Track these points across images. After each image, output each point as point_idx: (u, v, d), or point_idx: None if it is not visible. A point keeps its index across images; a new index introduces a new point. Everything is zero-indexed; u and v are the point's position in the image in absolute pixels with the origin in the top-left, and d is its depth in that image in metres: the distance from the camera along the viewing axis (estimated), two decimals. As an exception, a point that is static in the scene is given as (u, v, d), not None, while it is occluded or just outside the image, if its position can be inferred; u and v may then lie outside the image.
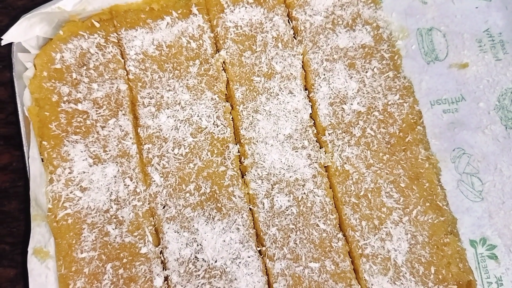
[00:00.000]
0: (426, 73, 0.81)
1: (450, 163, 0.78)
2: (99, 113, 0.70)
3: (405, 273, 0.67)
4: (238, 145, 0.71)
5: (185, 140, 0.69)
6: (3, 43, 0.67)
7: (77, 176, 0.67)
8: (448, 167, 0.77)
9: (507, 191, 0.76)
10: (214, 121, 0.71)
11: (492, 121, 0.79)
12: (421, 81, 0.81)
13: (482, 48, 0.82)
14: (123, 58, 0.73)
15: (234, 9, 0.75)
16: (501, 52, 0.82)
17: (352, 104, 0.73)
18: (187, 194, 0.67)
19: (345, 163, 0.70)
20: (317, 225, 0.68)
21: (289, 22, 0.77)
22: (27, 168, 0.64)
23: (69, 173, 0.67)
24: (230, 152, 0.70)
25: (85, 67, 0.71)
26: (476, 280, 0.68)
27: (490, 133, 0.79)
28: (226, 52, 0.73)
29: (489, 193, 0.76)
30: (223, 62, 0.74)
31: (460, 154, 0.78)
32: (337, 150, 0.71)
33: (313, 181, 0.70)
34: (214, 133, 0.70)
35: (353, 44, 0.76)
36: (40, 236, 0.62)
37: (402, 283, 0.66)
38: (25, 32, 0.68)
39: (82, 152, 0.68)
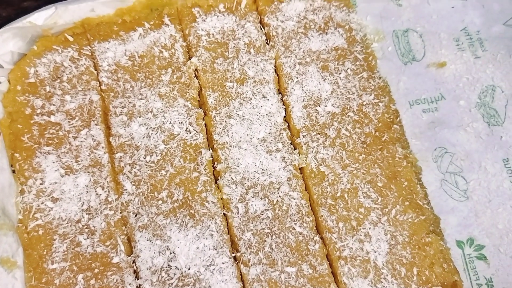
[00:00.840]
0: (404, 74, 0.80)
1: (432, 162, 0.76)
2: (72, 124, 0.70)
3: (386, 275, 0.64)
4: (211, 150, 0.70)
5: (157, 148, 0.69)
6: (-24, 58, 0.68)
7: (48, 187, 0.66)
8: (430, 166, 0.76)
9: (493, 189, 0.74)
10: (187, 128, 0.70)
11: (474, 118, 0.78)
12: (398, 81, 0.80)
13: (460, 47, 0.82)
14: (96, 70, 0.73)
15: (206, 18, 0.76)
16: (480, 50, 0.82)
17: (326, 106, 0.72)
18: (160, 202, 0.67)
19: (320, 165, 0.69)
20: (293, 228, 0.66)
21: (261, 28, 0.77)
22: None
23: (40, 184, 0.66)
24: (203, 157, 0.69)
25: (58, 80, 0.72)
26: (462, 281, 0.66)
27: (472, 131, 0.77)
28: (198, 59, 0.74)
29: (474, 192, 0.74)
30: (195, 69, 0.74)
31: (442, 153, 0.76)
32: (312, 151, 0.70)
33: (288, 183, 0.68)
34: (186, 139, 0.70)
35: (326, 47, 0.76)
36: (7, 245, 0.61)
37: (383, 286, 0.64)
38: (-2, 47, 0.69)
39: (54, 163, 0.68)
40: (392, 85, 0.78)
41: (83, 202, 0.66)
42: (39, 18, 0.69)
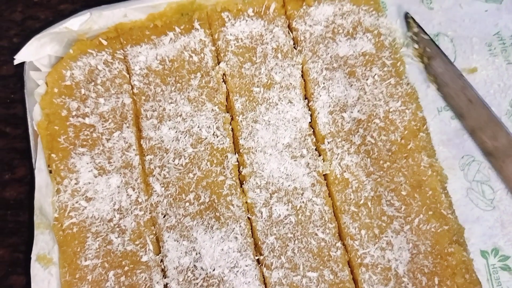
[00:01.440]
0: (433, 79, 0.80)
1: (459, 170, 0.75)
2: (105, 126, 0.73)
3: (407, 283, 0.65)
4: (237, 154, 0.72)
5: (185, 151, 0.71)
6: (16, 62, 0.71)
7: (82, 187, 0.70)
8: (457, 175, 0.75)
9: (521, 199, 0.73)
10: (214, 132, 0.72)
11: (504, 126, 0.76)
12: (427, 87, 0.79)
13: (492, 52, 0.80)
14: (128, 74, 0.76)
15: (235, 23, 0.77)
16: (513, 55, 0.80)
17: (352, 112, 0.73)
18: (187, 204, 0.69)
19: (345, 171, 0.70)
20: (316, 234, 0.67)
21: (289, 33, 0.78)
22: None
23: (75, 184, 0.70)
24: (229, 161, 0.71)
25: (93, 83, 0.75)
26: (484, 292, 0.66)
27: (502, 139, 0.76)
28: (226, 64, 0.75)
29: (501, 202, 0.73)
30: (223, 74, 0.76)
31: (469, 161, 0.76)
32: (336, 158, 0.70)
33: (312, 189, 0.69)
34: (213, 143, 0.72)
35: (354, 52, 0.76)
36: (43, 243, 0.65)
37: (404, 294, 0.64)
38: (36, 51, 0.73)
39: (88, 163, 0.71)
40: (420, 90, 0.77)
41: (115, 202, 0.69)
42: (75, 23, 0.72)
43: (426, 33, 0.77)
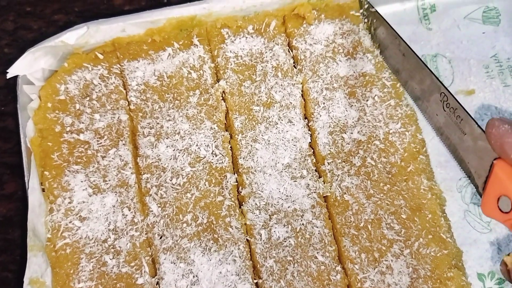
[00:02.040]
0: (431, 100, 0.80)
1: (456, 192, 0.75)
2: (100, 143, 0.71)
3: (407, 308, 0.64)
4: (236, 174, 0.71)
5: (183, 170, 0.70)
6: (9, 76, 0.69)
7: (76, 206, 0.68)
8: (454, 197, 0.75)
9: (517, 222, 0.73)
10: (213, 151, 0.71)
11: (500, 149, 0.77)
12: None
13: (489, 74, 0.81)
14: (125, 89, 0.74)
15: (235, 40, 0.76)
16: (510, 78, 0.80)
17: (352, 133, 0.72)
18: (184, 225, 0.67)
19: (345, 193, 0.69)
20: (316, 257, 0.66)
21: (289, 51, 0.77)
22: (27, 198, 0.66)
23: (69, 202, 0.68)
24: (227, 181, 0.70)
25: (88, 98, 0.73)
26: (482, 317, 0.66)
27: (498, 161, 0.76)
28: (226, 82, 0.74)
29: (498, 224, 0.73)
30: (223, 92, 0.74)
31: (466, 183, 0.76)
32: (337, 179, 0.70)
33: (312, 211, 0.69)
34: (212, 162, 0.70)
35: (354, 72, 0.75)
36: (36, 266, 0.62)
37: (403, 319, 0.64)
38: (30, 65, 0.70)
39: (82, 182, 0.69)
40: (419, 112, 0.77)
41: (110, 222, 0.67)
42: (71, 37, 0.70)
43: (372, 6, 0.77)
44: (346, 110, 0.73)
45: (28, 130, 0.69)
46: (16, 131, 0.76)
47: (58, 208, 0.67)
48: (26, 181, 0.67)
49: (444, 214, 0.71)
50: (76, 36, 0.70)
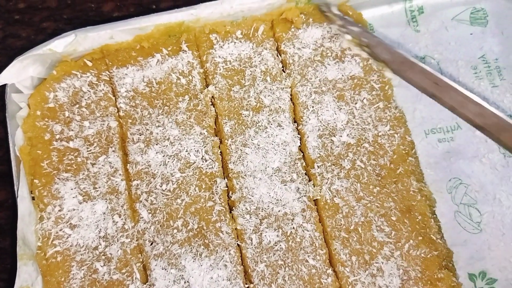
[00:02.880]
0: (420, 102, 0.80)
1: (446, 193, 0.76)
2: (90, 150, 0.71)
3: (398, 310, 0.65)
4: (226, 179, 0.71)
5: (173, 176, 0.70)
6: (-4, 85, 0.69)
7: (67, 214, 0.68)
8: (445, 198, 0.75)
9: (507, 222, 0.74)
10: (203, 156, 0.71)
11: (489, 149, 0.77)
12: (414, 110, 0.79)
13: (477, 75, 0.81)
14: (114, 96, 0.74)
15: (223, 45, 0.76)
16: (498, 79, 0.81)
17: (341, 136, 0.72)
18: (175, 230, 0.68)
19: (335, 196, 0.69)
20: (306, 261, 0.67)
21: (278, 55, 0.77)
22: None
23: (59, 210, 0.68)
24: (218, 186, 0.70)
25: (77, 105, 0.73)
26: (473, 317, 0.66)
27: (487, 162, 0.77)
28: (215, 87, 0.74)
29: (488, 225, 0.74)
30: (212, 97, 0.75)
31: (456, 184, 0.76)
32: (326, 183, 0.70)
33: (302, 215, 0.69)
34: (202, 167, 0.71)
35: (342, 75, 0.76)
36: (26, 275, 0.62)
37: (395, 321, 0.64)
38: (19, 73, 0.70)
39: (72, 189, 0.69)
40: (408, 113, 0.78)
41: (100, 229, 0.67)
42: (59, 45, 0.70)
43: (353, 24, 0.76)
44: (335, 113, 0.74)
45: (17, 139, 0.69)
46: (5, 139, 0.76)
47: (48, 216, 0.67)
48: (16, 189, 0.66)
49: (434, 216, 0.71)
50: (64, 44, 0.70)
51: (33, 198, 0.68)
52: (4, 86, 0.71)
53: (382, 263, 0.66)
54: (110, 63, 0.75)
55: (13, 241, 0.72)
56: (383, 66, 0.76)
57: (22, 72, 0.71)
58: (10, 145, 0.69)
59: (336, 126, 0.73)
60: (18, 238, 0.63)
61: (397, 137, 0.73)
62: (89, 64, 0.75)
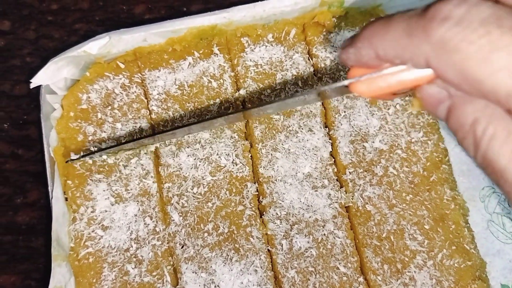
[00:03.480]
0: (453, 108, 0.78)
1: (479, 202, 0.74)
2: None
3: (430, 320, 0.64)
4: (256, 184, 0.71)
5: (204, 179, 0.70)
6: (32, 86, 0.70)
7: (99, 215, 0.68)
8: (477, 206, 0.74)
9: (542, 233, 0.72)
10: (233, 160, 0.71)
11: (524, 157, 0.76)
12: (447, 116, 0.78)
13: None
14: (146, 98, 0.74)
15: (255, 48, 0.76)
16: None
17: (373, 142, 0.72)
18: (205, 234, 0.68)
19: (367, 203, 0.69)
20: (337, 268, 0.66)
21: (309, 59, 0.77)
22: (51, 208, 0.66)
23: (91, 212, 0.68)
24: (248, 191, 0.69)
25: (109, 107, 0.74)
26: (507, 329, 0.65)
27: (522, 170, 0.75)
28: (246, 91, 0.74)
29: (522, 235, 0.73)
30: (243, 100, 0.74)
31: (489, 192, 0.75)
32: (358, 189, 0.69)
33: (333, 221, 0.68)
34: (232, 171, 0.70)
35: (375, 80, 0.75)
36: (60, 276, 0.63)
37: (427, 331, 0.63)
38: (53, 74, 0.71)
39: (104, 191, 0.69)
40: (440, 120, 0.76)
41: (132, 231, 0.68)
42: (94, 47, 0.71)
43: None
44: (367, 119, 0.73)
45: (51, 140, 0.70)
46: (38, 140, 0.77)
47: (81, 217, 0.68)
48: (50, 190, 0.67)
49: (468, 225, 0.70)
50: (99, 46, 0.71)
51: (66, 199, 0.69)
52: (39, 87, 0.72)
53: (415, 272, 0.65)
54: (143, 66, 0.75)
55: (45, 241, 0.73)
56: None
57: (56, 73, 0.72)
58: (45, 146, 0.69)
59: (368, 131, 0.72)
60: (53, 239, 0.63)
61: (430, 144, 0.72)
62: (122, 66, 0.75)
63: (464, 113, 0.36)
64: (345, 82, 0.43)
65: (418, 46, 0.35)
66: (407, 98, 0.74)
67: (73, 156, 0.69)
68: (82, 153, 0.69)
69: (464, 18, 0.32)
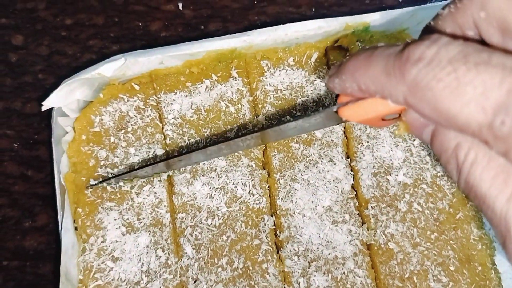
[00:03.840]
0: (480, 139, 0.75)
1: (506, 240, 0.71)
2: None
3: None
4: (273, 216, 0.68)
5: (219, 210, 0.67)
6: (44, 108, 0.67)
7: (109, 246, 0.66)
8: (504, 244, 0.71)
9: None
10: (250, 190, 0.68)
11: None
12: (474, 147, 0.75)
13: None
14: (161, 122, 0.72)
15: (275, 72, 0.73)
16: None
17: (397, 175, 0.68)
18: (219, 269, 0.65)
19: (389, 241, 0.66)
20: (357, 309, 0.63)
21: (331, 85, 0.73)
22: (60, 238, 0.64)
23: (101, 242, 0.66)
24: (265, 224, 0.66)
25: (123, 131, 0.71)
26: None
27: (552, 207, 0.71)
28: (265, 117, 0.71)
29: (551, 276, 0.69)
30: (262, 127, 0.71)
31: (518, 230, 0.71)
32: (381, 226, 0.66)
33: (354, 259, 0.65)
34: (249, 202, 0.67)
35: (400, 109, 0.71)
36: (68, 312, 0.60)
37: None
38: (66, 97, 0.68)
39: (115, 220, 0.67)
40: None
41: (143, 263, 0.65)
42: (108, 69, 0.68)
43: None
44: (392, 150, 0.70)
45: (62, 165, 0.67)
46: (48, 161, 0.75)
47: (91, 248, 0.65)
48: (60, 220, 0.65)
49: (494, 266, 0.67)
50: (114, 68, 0.68)
51: (76, 228, 0.66)
52: (51, 109, 0.69)
53: (439, 317, 0.62)
54: (158, 88, 0.72)
55: (53, 267, 0.71)
56: None
57: (69, 95, 0.69)
58: (55, 172, 0.67)
59: (392, 164, 0.69)
60: (62, 273, 0.61)
61: (457, 179, 0.68)
62: (137, 88, 0.72)
63: (446, 138, 0.38)
64: (334, 108, 0.48)
65: (395, 86, 0.37)
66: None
67: (92, 182, 0.67)
68: (100, 179, 0.67)
69: (434, 58, 0.34)
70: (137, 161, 0.70)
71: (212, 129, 0.71)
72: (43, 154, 0.76)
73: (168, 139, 0.71)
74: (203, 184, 0.68)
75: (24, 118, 0.78)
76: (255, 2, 0.83)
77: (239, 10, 0.83)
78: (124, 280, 0.64)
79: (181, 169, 0.69)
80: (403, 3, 0.82)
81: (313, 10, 0.83)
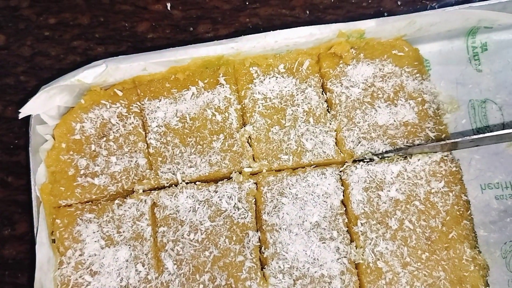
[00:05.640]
0: (477, 152, 0.72)
1: (500, 258, 0.68)
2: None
3: None
4: (258, 232, 0.65)
5: (202, 224, 0.64)
6: (21, 116, 0.64)
7: (87, 259, 0.63)
8: (498, 263, 0.68)
9: None
10: (235, 204, 0.65)
11: (553, 212, 0.69)
12: (470, 160, 0.72)
13: (545, 125, 0.72)
14: (144, 130, 0.69)
15: (264, 79, 0.70)
16: None
17: (389, 191, 0.66)
18: (201, 286, 0.62)
19: (378, 260, 0.63)
20: (343, 331, 0.61)
21: (323, 94, 0.70)
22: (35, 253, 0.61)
23: (79, 255, 0.63)
24: (249, 240, 0.64)
25: (104, 139, 0.68)
26: None
27: (550, 226, 0.69)
28: (253, 126, 0.68)
29: (546, 297, 0.67)
30: (249, 137, 0.68)
31: (513, 249, 0.68)
32: (370, 244, 0.63)
33: (341, 278, 0.63)
34: (233, 217, 0.65)
35: (394, 121, 0.68)
36: (42, 330, 0.58)
37: None
38: (44, 103, 0.66)
39: (94, 232, 0.64)
40: (462, 164, 0.70)
41: (122, 278, 0.63)
42: (89, 76, 0.65)
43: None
44: (385, 164, 0.67)
45: (39, 176, 0.65)
46: (29, 167, 0.72)
47: (68, 261, 0.63)
48: (35, 232, 0.62)
49: (488, 287, 0.64)
50: (94, 75, 0.65)
51: (53, 241, 0.64)
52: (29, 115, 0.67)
53: None
54: (142, 94, 0.69)
55: (32, 277, 0.69)
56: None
57: (48, 101, 0.66)
58: (32, 183, 0.64)
59: (384, 179, 0.66)
60: (36, 289, 0.59)
61: (451, 195, 0.65)
62: (120, 94, 0.69)
63: None
64: None
65: None
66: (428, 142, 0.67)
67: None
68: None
69: None
70: (119, 170, 0.67)
71: (197, 138, 0.68)
72: (23, 160, 0.74)
73: (151, 148, 0.68)
74: (187, 197, 0.66)
75: (5, 122, 0.76)
76: (247, 3, 0.79)
77: (230, 12, 0.79)
78: (103, 295, 0.62)
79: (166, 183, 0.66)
80: (402, 7, 0.78)
81: (308, 12, 0.79)
